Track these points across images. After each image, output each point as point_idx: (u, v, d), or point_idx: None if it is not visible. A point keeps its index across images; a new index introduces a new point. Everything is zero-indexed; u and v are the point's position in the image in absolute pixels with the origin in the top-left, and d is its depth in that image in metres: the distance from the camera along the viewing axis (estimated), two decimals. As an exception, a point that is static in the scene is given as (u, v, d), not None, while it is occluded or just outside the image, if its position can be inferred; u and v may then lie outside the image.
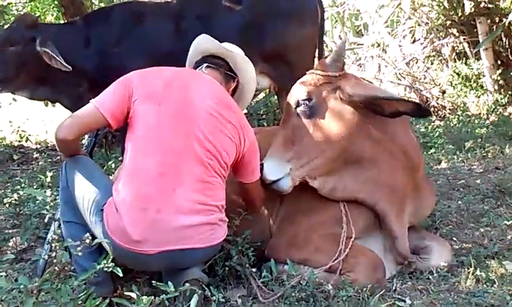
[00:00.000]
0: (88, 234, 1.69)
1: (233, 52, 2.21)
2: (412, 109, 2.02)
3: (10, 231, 2.74)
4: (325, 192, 2.12)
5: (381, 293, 1.93)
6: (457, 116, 5.06)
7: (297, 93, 2.15)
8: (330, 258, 1.99)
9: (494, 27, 5.50)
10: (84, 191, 1.88)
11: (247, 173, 2.07)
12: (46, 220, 2.34)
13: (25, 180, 3.51)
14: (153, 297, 1.59)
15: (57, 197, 2.11)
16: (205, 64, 2.16)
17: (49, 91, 3.27)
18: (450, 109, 5.50)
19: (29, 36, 3.07)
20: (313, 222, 2.11)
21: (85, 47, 3.23)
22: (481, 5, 5.42)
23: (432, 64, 6.26)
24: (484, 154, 3.89)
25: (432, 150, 3.99)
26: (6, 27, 3.57)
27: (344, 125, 2.06)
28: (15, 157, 4.55)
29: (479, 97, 5.47)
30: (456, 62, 5.92)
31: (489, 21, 5.52)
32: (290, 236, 2.11)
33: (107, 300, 1.72)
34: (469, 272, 2.08)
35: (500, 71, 5.41)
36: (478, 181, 3.28)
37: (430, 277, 2.13)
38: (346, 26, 6.93)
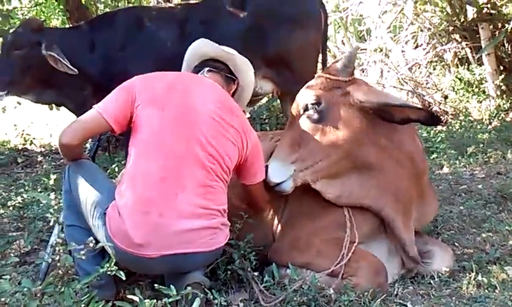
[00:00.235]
0: (91, 238, 1.70)
1: (233, 54, 2.22)
2: (425, 117, 2.01)
3: (14, 234, 2.75)
4: (331, 198, 2.11)
5: (383, 297, 1.94)
6: (459, 121, 5.04)
7: (306, 96, 2.14)
8: (332, 262, 1.99)
9: (496, 32, 5.49)
10: (87, 195, 1.89)
11: (250, 175, 2.08)
12: (51, 224, 2.34)
13: (29, 183, 3.53)
14: (155, 300, 1.60)
15: (61, 201, 2.11)
16: (207, 68, 2.17)
17: (54, 95, 3.30)
18: (452, 114, 5.48)
19: (35, 39, 3.10)
20: (317, 227, 2.11)
21: (90, 52, 3.26)
22: (484, 11, 5.41)
23: (434, 69, 6.25)
24: (486, 159, 3.87)
25: (435, 155, 3.99)
26: (11, 31, 3.59)
27: (351, 130, 2.06)
28: (19, 160, 4.57)
29: (481, 102, 5.45)
30: (458, 67, 5.91)
31: (491, 27, 5.52)
32: (293, 240, 2.11)
33: (110, 304, 1.72)
34: (471, 277, 2.08)
35: (502, 76, 5.39)
36: (480, 186, 3.28)
37: (432, 282, 2.13)
38: (349, 31, 6.93)
